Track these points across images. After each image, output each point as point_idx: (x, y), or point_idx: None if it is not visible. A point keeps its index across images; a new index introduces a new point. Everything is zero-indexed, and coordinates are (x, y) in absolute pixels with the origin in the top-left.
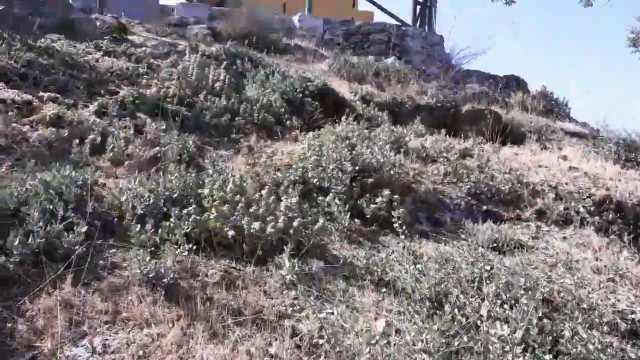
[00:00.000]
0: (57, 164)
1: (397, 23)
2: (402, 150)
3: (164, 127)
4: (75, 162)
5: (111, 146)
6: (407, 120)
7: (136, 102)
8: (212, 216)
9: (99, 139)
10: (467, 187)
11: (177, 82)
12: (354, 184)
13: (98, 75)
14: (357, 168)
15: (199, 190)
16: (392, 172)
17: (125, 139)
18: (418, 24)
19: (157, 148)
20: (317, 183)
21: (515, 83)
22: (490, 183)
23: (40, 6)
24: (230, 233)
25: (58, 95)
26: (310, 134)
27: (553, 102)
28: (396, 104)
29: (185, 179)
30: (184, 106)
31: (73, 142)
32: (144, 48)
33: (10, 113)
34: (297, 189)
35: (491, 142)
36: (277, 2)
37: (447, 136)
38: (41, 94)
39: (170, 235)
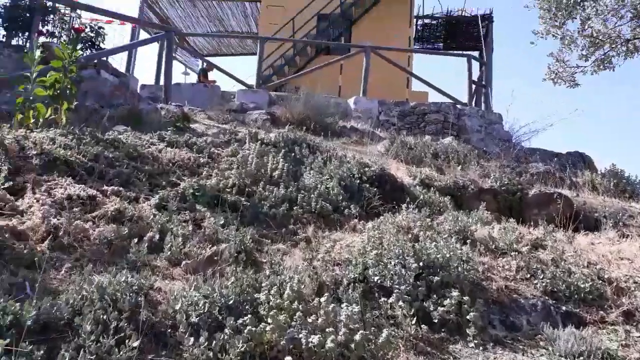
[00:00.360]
0: (115, 266)
1: (453, 102)
2: (468, 241)
3: (222, 221)
4: (132, 263)
5: (169, 245)
6: (471, 205)
7: (196, 194)
8: (268, 328)
9: (157, 236)
10: (543, 284)
11: (236, 172)
12: (418, 282)
13: (160, 166)
14: (421, 264)
15: (256, 295)
16: (459, 268)
17: (183, 236)
18: (474, 103)
19: (215, 247)
20: (379, 281)
21: (580, 160)
22: (568, 280)
23: (111, 97)
24: (288, 346)
25: (121, 189)
26: (370, 224)
27: (625, 181)
28: (458, 187)
29: (241, 283)
30: (243, 196)
31: (132, 240)
32: (205, 137)
33: (75, 209)
34: (358, 288)
35: (563, 229)
36: (333, 86)
37: (515, 222)
38: (105, 187)
39: (223, 354)
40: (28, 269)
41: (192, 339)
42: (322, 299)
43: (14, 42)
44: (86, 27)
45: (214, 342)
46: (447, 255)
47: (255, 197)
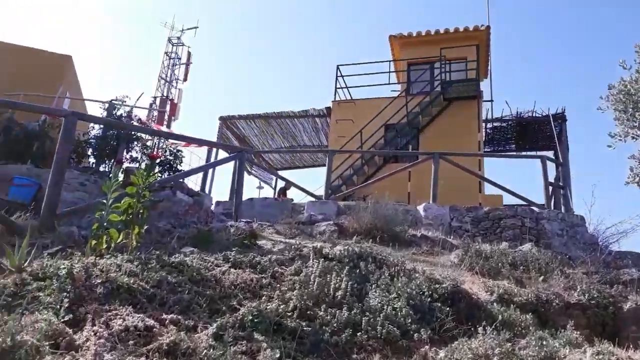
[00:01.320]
0: None
1: (529, 205)
2: None
3: (278, 354)
4: None
5: None
6: (557, 323)
7: (255, 320)
8: None
9: None
10: None
11: (298, 293)
12: None
13: (222, 289)
14: None
15: None
16: None
17: None
18: (553, 205)
19: None
20: None
21: None
22: None
23: (185, 216)
24: None
25: (180, 317)
26: (442, 353)
27: None
28: (541, 303)
29: None
30: (304, 320)
31: None
32: (269, 256)
33: (130, 342)
34: None
35: None
36: (402, 193)
37: (610, 344)
38: (164, 316)
39: None
40: None
41: None
42: None
43: (102, 168)
44: (165, 152)
45: None
46: None
47: (316, 321)
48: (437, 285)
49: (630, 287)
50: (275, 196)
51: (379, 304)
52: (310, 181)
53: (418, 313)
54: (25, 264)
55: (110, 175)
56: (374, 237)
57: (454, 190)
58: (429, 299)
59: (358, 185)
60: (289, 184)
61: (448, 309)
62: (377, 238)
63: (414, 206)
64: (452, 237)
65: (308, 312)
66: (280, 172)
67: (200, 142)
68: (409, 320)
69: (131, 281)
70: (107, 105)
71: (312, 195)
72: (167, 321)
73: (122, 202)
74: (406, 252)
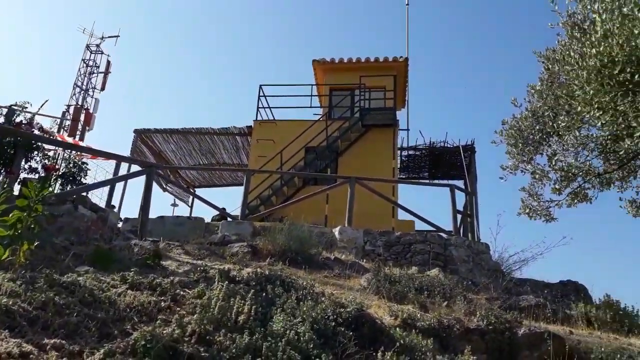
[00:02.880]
0: None
1: (439, 232)
2: None
3: None
4: None
5: None
6: (456, 348)
7: (147, 346)
8: None
9: None
10: None
11: (198, 317)
12: None
13: (116, 312)
14: None
15: None
16: None
17: None
18: (461, 232)
19: None
20: None
21: (574, 290)
22: None
23: (87, 232)
24: None
25: (64, 342)
26: None
27: (621, 313)
28: (442, 328)
29: None
30: (202, 345)
31: None
32: (172, 277)
33: None
34: None
35: None
36: (319, 215)
37: None
38: (46, 340)
39: None
40: None
41: None
42: None
43: None
44: (69, 164)
45: None
46: None
47: (214, 347)
48: (342, 310)
49: (527, 313)
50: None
51: (282, 329)
52: (230, 201)
53: (322, 337)
54: None
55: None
56: (287, 259)
57: (369, 215)
58: (333, 323)
59: (276, 206)
60: (223, 212)
61: (352, 333)
62: (291, 260)
63: (329, 229)
64: (364, 260)
65: (207, 337)
66: (198, 190)
67: (107, 155)
68: (312, 345)
69: (10, 302)
70: (5, 110)
71: (229, 215)
72: (48, 346)
73: (10, 215)
74: (318, 274)
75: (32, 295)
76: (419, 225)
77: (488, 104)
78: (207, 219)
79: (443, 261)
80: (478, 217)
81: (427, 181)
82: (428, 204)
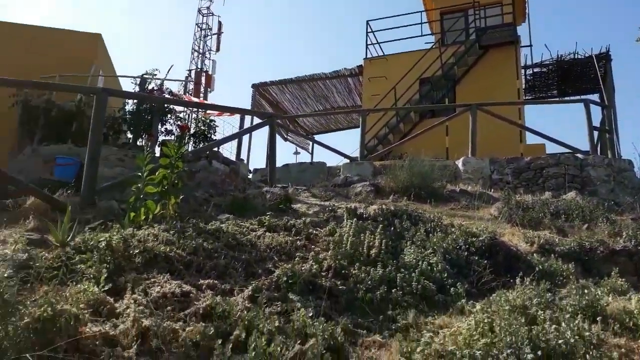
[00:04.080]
0: None
1: (573, 152)
2: (598, 318)
3: (312, 313)
4: None
5: (253, 345)
6: (601, 271)
7: (289, 281)
8: None
9: (243, 335)
10: None
11: (332, 253)
12: None
13: (258, 253)
14: (539, 353)
15: None
16: (587, 356)
17: (269, 333)
18: (599, 151)
19: (298, 346)
20: None
21: None
22: None
23: (222, 185)
24: None
25: (217, 282)
26: (478, 306)
27: None
28: (584, 251)
29: None
30: (338, 279)
31: (217, 340)
32: (304, 218)
33: (168, 308)
34: None
35: None
36: (439, 148)
37: None
38: (201, 281)
39: None
40: None
41: None
42: None
43: (139, 142)
44: (198, 123)
45: None
46: (571, 340)
47: (350, 280)
48: (474, 239)
49: None
50: None
51: (414, 260)
52: (347, 144)
53: (455, 267)
54: (68, 239)
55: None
56: (411, 195)
57: (494, 142)
58: (465, 253)
59: (394, 144)
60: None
61: (486, 261)
62: (415, 196)
63: (452, 161)
64: (492, 190)
65: (342, 272)
66: (317, 137)
67: (230, 110)
68: (445, 275)
69: (168, 249)
70: (138, 80)
71: (346, 156)
72: (203, 286)
73: (157, 173)
74: (444, 208)
75: (184, 242)
76: (550, 149)
77: (623, 1)
78: (328, 164)
79: (580, 183)
80: (618, 133)
81: (557, 99)
82: (559, 125)
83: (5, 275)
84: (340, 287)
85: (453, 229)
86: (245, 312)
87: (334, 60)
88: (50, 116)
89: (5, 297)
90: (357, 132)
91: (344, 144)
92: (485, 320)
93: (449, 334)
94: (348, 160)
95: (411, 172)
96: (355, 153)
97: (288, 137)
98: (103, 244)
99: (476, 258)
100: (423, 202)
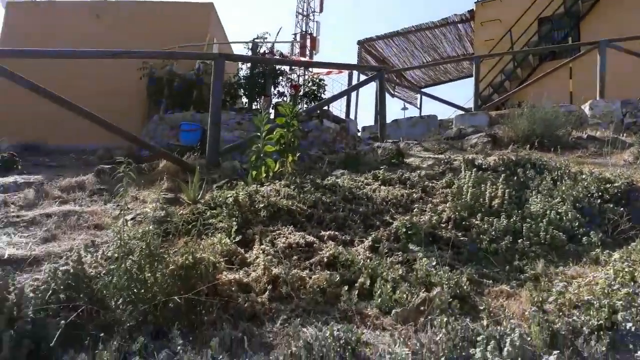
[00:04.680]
0: (327, 315)
1: None
2: None
3: (435, 262)
4: (343, 312)
5: (378, 291)
6: None
7: (408, 232)
8: None
9: (367, 282)
10: None
11: (451, 205)
12: None
13: (374, 206)
14: None
15: (471, 351)
16: None
17: (393, 281)
18: None
19: (425, 293)
20: (632, 329)
21: None
22: None
23: (333, 143)
24: None
25: (337, 233)
26: (616, 255)
27: None
28: None
29: (454, 336)
30: (459, 231)
31: (343, 287)
32: (418, 171)
33: (294, 257)
34: (604, 339)
35: None
36: (562, 93)
37: None
38: (322, 233)
39: None
40: (249, 321)
41: None
42: (553, 356)
43: (254, 106)
44: (308, 83)
45: None
46: None
47: (472, 231)
48: (608, 186)
49: None
50: None
51: (541, 210)
52: (458, 96)
53: (586, 216)
54: (199, 197)
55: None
56: (532, 144)
57: (626, 82)
58: (598, 201)
59: (511, 91)
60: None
61: (622, 209)
62: (536, 145)
63: (577, 106)
64: (624, 135)
65: (463, 223)
66: (425, 90)
67: (339, 67)
68: (576, 224)
69: (290, 203)
70: (250, 44)
71: (460, 108)
72: (325, 237)
73: (274, 133)
74: (570, 155)
75: (304, 197)
76: None
77: None
78: (439, 118)
79: None
80: None
81: None
82: None
83: (149, 229)
84: (462, 239)
85: (583, 177)
86: (368, 261)
87: (443, 6)
88: (173, 86)
89: (151, 249)
90: (468, 82)
91: (454, 96)
92: (626, 270)
93: (583, 284)
94: (461, 112)
95: (532, 119)
96: (468, 104)
97: (395, 93)
98: (230, 200)
99: (611, 206)
100: (546, 151)
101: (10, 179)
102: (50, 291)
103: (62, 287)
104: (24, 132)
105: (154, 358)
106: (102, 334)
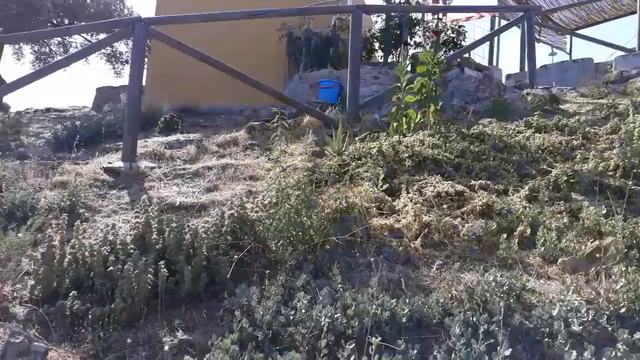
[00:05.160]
0: (484, 263)
1: None
2: None
3: (605, 210)
4: (502, 260)
5: (542, 240)
6: None
7: (570, 181)
8: None
9: (528, 230)
10: None
11: (619, 151)
12: None
13: (529, 154)
14: None
15: None
16: None
17: (557, 230)
18: None
19: (596, 242)
20: None
21: None
22: None
23: (476, 92)
24: None
25: (489, 182)
26: None
27: None
28: None
29: (636, 286)
30: (629, 179)
31: (501, 235)
32: (577, 117)
33: (444, 206)
34: None
35: None
36: None
37: None
38: (472, 182)
39: None
40: (403, 265)
41: (574, 352)
42: None
43: (389, 59)
44: (447, 30)
45: (603, 358)
46: None
47: None
48: None
49: None
50: None
51: None
52: (617, 35)
53: None
54: (343, 149)
55: (400, 61)
56: None
57: None
58: None
59: None
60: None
61: None
62: None
63: None
64: None
65: (634, 171)
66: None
67: (479, 10)
68: None
69: (435, 153)
70: None
71: (621, 49)
72: (476, 186)
73: (415, 82)
74: None
75: (450, 146)
76: None
77: None
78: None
79: None
80: None
81: None
82: None
83: (302, 177)
84: (633, 187)
85: None
86: (527, 210)
87: None
88: (311, 44)
89: (306, 193)
90: (628, 20)
91: (610, 36)
92: None
93: None
94: (623, 53)
95: None
96: (630, 44)
97: (541, 38)
98: (375, 151)
99: None
100: None
101: (173, 137)
102: (219, 233)
103: (228, 229)
104: (180, 95)
105: (316, 294)
106: (267, 271)
